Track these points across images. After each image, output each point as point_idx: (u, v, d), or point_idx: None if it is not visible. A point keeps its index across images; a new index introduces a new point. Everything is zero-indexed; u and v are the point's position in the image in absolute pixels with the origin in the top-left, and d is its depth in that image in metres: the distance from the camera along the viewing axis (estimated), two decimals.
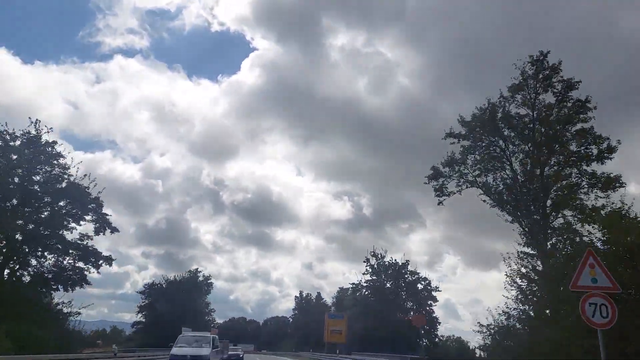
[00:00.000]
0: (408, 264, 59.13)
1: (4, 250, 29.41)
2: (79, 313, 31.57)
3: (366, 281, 59.75)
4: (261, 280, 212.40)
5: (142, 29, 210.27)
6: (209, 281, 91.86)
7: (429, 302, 58.26)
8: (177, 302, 74.25)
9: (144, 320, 72.79)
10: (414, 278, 58.81)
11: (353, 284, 59.97)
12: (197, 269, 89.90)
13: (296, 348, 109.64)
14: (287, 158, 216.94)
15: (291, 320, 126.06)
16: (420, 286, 58.67)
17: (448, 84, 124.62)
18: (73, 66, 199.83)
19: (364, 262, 59.53)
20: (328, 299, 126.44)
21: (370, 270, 59.34)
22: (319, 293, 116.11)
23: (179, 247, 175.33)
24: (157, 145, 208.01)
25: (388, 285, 59.83)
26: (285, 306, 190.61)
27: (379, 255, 59.64)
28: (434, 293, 57.82)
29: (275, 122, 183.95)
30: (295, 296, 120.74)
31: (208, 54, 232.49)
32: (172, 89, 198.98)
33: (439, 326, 58.39)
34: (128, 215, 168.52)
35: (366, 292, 60.12)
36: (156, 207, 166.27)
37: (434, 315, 58.03)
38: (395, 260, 59.80)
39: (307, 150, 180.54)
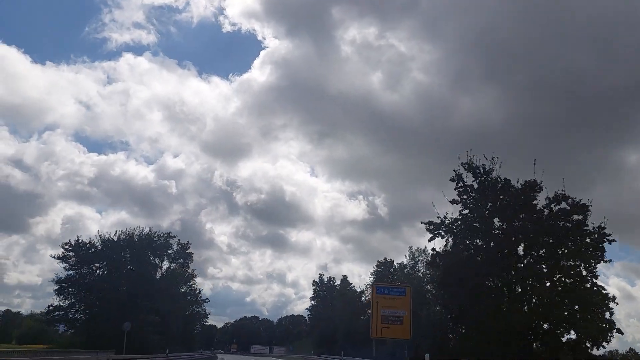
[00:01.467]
0: (540, 187, 29.44)
1: None
2: None
3: (453, 221, 30.28)
4: (277, 282, 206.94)
5: (149, 23, 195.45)
6: (188, 251, 63.26)
7: (594, 267, 28.45)
8: (127, 280, 46.13)
9: (65, 305, 44.08)
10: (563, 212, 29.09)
11: (430, 223, 30.17)
12: (170, 232, 61.48)
13: (317, 349, 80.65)
14: (300, 157, 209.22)
15: (309, 314, 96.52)
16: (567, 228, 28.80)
17: (466, 77, 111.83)
18: (84, 65, 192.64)
19: (452, 179, 30.21)
20: (358, 284, 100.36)
21: (464, 196, 29.89)
22: (344, 277, 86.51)
23: (194, 248, 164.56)
24: (170, 146, 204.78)
25: (497, 222, 30.47)
26: (301, 308, 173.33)
27: (482, 169, 30.08)
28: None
29: (288, 120, 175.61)
30: (314, 281, 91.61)
31: (217, 49, 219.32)
32: (183, 86, 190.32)
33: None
34: (143, 217, 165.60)
35: (455, 241, 30.57)
36: (170, 209, 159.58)
37: (606, 292, 28.25)
38: (507, 180, 30.23)
39: (321, 149, 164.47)
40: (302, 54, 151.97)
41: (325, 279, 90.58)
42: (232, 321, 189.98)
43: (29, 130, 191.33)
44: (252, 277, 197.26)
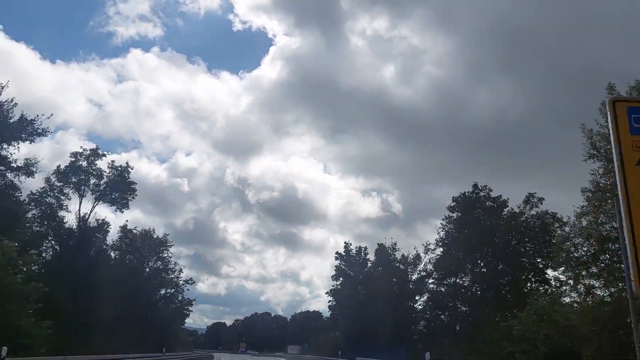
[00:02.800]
0: None
1: None
2: None
3: None
4: (291, 280, 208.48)
5: (155, 15, 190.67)
6: (129, 180, 38.27)
7: None
8: None
9: None
10: None
11: None
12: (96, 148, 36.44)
13: (347, 351, 54.71)
14: (312, 154, 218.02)
15: (331, 301, 69.81)
16: None
17: (482, 69, 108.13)
18: (93, 63, 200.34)
19: None
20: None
21: None
22: (380, 245, 59.87)
23: (208, 247, 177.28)
24: (181, 144, 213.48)
25: None
26: (316, 307, 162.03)
27: None
28: None
29: (300, 116, 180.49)
30: (337, 254, 65.65)
31: (226, 42, 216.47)
32: (193, 82, 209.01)
33: None
34: (157, 215, 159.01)
35: None
36: (183, 207, 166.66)
37: None
38: None
39: (334, 144, 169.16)
40: (311, 48, 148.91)
41: (354, 250, 64.74)
42: (242, 318, 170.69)
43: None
44: (266, 275, 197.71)
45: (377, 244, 59.43)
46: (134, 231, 51.40)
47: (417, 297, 46.99)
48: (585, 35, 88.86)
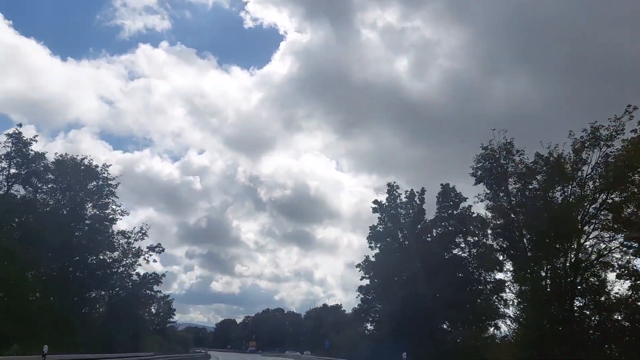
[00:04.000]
0: None
1: None
2: None
3: None
4: (304, 279, 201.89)
5: (162, 7, 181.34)
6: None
7: None
8: None
9: None
10: None
11: None
12: None
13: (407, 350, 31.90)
14: (324, 151, 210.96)
15: (364, 276, 46.89)
16: None
17: (498, 60, 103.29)
18: (104, 60, 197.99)
19: None
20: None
21: None
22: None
23: (221, 246, 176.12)
24: (193, 141, 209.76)
25: None
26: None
27: None
28: None
29: (312, 112, 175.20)
30: (377, 204, 43.10)
31: (236, 36, 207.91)
32: (203, 78, 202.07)
33: None
34: (170, 214, 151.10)
35: None
36: (196, 205, 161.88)
37: None
38: None
39: (346, 141, 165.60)
40: (322, 42, 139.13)
41: (403, 197, 42.23)
42: (252, 315, 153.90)
43: (52, 128, 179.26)
44: (280, 275, 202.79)
45: (439, 185, 36.97)
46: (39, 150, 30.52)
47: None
48: (602, 24, 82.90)
